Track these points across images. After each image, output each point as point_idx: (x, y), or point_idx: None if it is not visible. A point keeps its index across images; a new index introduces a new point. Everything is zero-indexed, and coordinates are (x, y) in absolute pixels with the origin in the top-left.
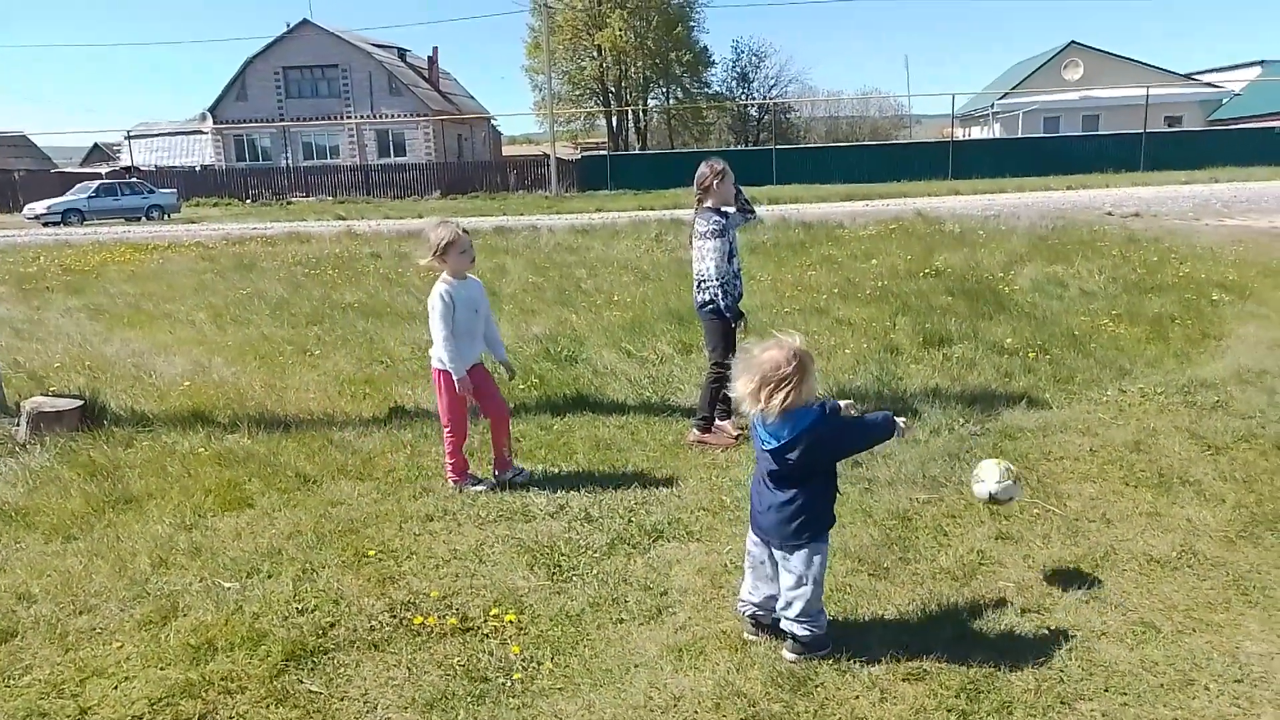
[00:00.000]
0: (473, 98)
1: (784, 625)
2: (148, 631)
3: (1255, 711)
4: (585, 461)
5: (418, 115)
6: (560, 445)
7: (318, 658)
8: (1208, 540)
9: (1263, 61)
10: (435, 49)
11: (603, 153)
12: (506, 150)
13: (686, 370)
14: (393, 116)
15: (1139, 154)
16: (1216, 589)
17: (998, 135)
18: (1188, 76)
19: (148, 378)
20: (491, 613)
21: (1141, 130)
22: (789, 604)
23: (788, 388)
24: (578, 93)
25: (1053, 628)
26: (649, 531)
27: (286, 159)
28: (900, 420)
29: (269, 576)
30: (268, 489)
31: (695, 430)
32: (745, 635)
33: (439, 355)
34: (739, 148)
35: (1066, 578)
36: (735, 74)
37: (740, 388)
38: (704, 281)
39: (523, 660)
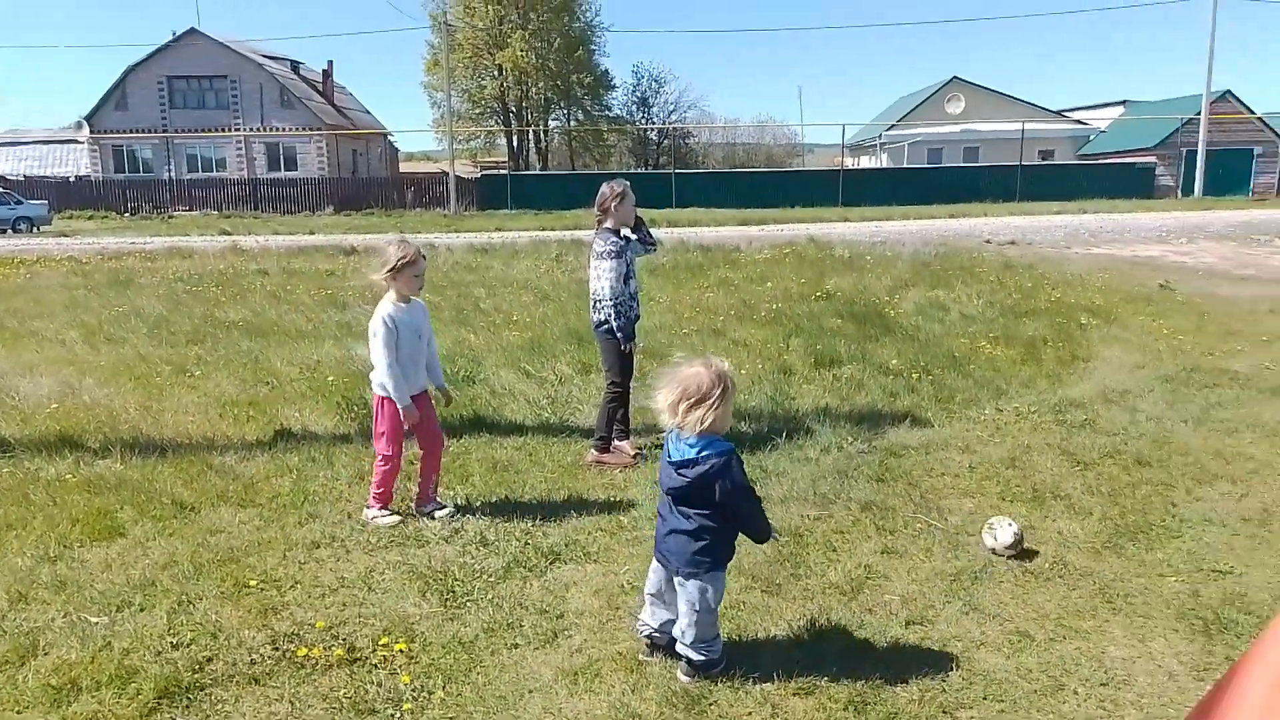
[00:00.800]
0: (369, 113)
1: (679, 649)
2: (3, 673)
3: (1120, 713)
4: (482, 484)
5: (310, 129)
6: (456, 468)
7: (193, 694)
8: (1077, 551)
9: (1125, 101)
10: (330, 63)
11: (503, 172)
12: (404, 167)
13: (586, 391)
14: (284, 130)
15: (1015, 185)
16: (1084, 598)
17: (885, 165)
18: (1059, 113)
19: (10, 400)
20: (381, 642)
21: (1017, 163)
22: (684, 631)
23: (707, 406)
24: (478, 111)
25: (935, 639)
26: (546, 554)
27: (169, 171)
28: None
29: (141, 610)
30: (141, 517)
31: (593, 451)
32: (641, 656)
33: (381, 382)
34: (640, 170)
35: (948, 590)
36: (636, 98)
37: (661, 399)
38: (599, 301)
39: (413, 690)
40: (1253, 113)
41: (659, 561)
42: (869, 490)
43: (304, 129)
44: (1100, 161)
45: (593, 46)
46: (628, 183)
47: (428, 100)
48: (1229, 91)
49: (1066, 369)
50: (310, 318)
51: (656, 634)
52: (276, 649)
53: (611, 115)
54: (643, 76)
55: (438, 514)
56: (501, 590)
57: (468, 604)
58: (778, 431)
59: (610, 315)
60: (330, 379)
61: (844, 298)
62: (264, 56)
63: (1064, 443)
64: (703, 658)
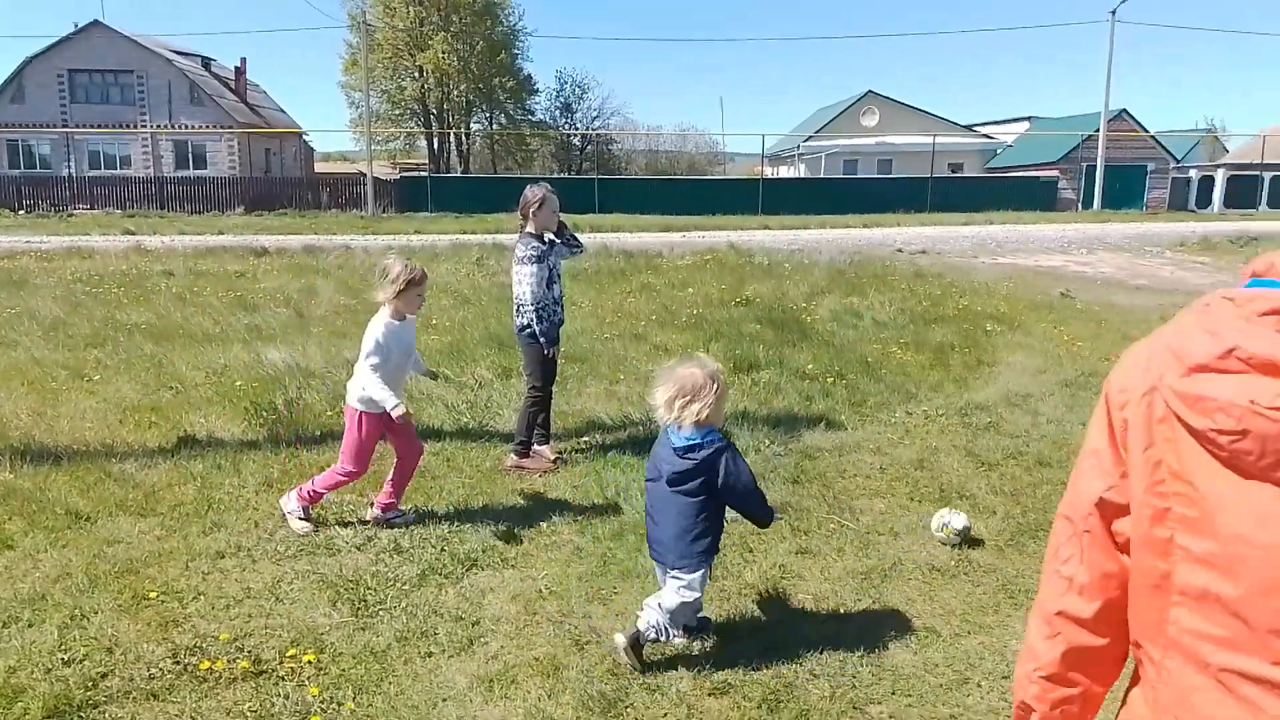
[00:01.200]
0: (284, 111)
1: (642, 616)
2: None
3: None
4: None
5: (221, 127)
6: (370, 475)
7: (85, 712)
8: (981, 549)
9: (1030, 117)
10: (243, 59)
11: (423, 174)
12: (320, 167)
13: (506, 395)
14: (193, 127)
15: (926, 196)
16: (988, 593)
17: (803, 175)
18: (968, 128)
19: None
20: (288, 653)
21: (928, 175)
22: (659, 615)
23: (702, 402)
24: (397, 112)
25: (847, 636)
26: (462, 560)
27: (69, 168)
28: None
29: (30, 625)
30: (32, 528)
31: (513, 455)
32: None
33: (371, 396)
34: (563, 176)
35: (859, 588)
36: (559, 103)
37: (658, 396)
38: (521, 306)
39: (322, 702)
40: (1146, 131)
41: (654, 556)
42: (785, 492)
43: (214, 127)
44: (1006, 175)
45: (515, 51)
46: (549, 187)
47: (345, 100)
48: (1125, 110)
49: (973, 374)
50: (218, 320)
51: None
52: (177, 663)
53: (534, 120)
54: (566, 82)
55: (397, 521)
56: (416, 598)
57: (380, 613)
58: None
59: (532, 320)
60: (238, 384)
61: (763, 304)
62: (173, 52)
63: (970, 444)
64: (653, 630)
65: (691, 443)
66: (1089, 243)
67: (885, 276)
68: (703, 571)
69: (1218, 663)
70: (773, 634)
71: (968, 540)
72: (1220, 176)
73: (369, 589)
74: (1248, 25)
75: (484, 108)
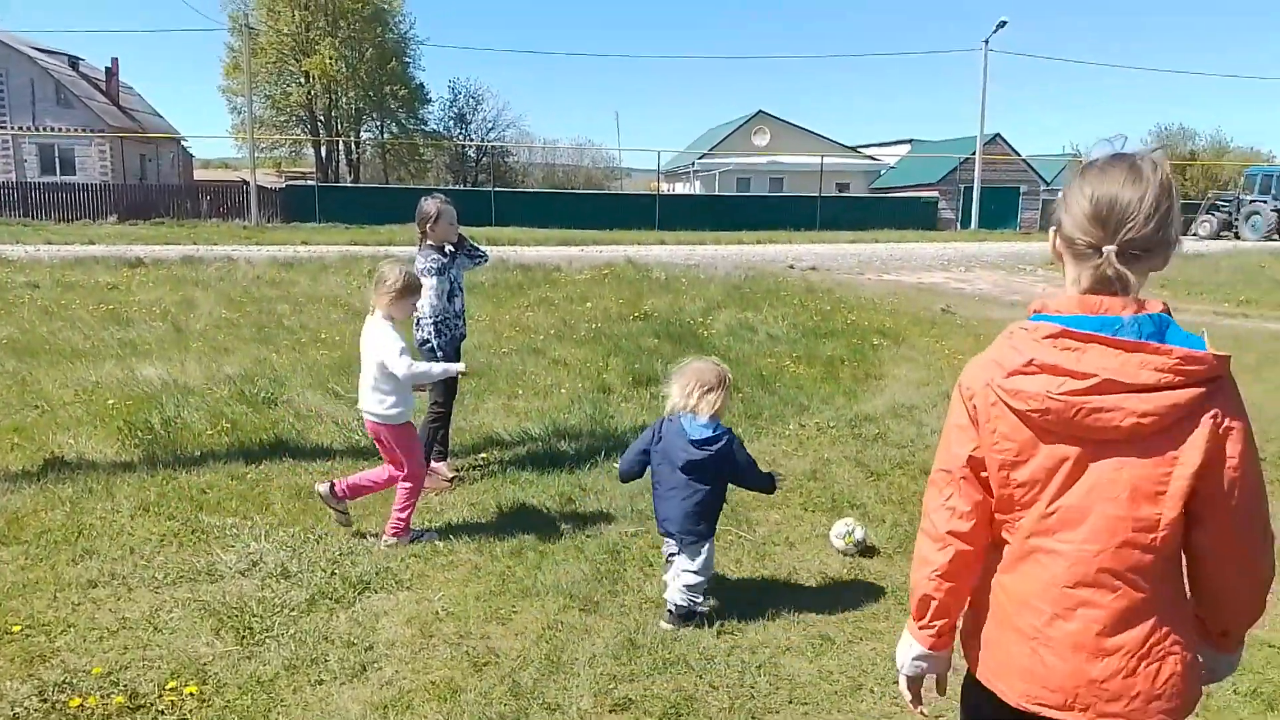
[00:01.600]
0: (160, 115)
1: (669, 596)
2: None
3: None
4: (284, 512)
5: (91, 130)
6: (255, 495)
7: None
8: (872, 557)
9: (911, 140)
10: (115, 60)
11: (310, 183)
12: (200, 174)
13: None
14: (60, 130)
15: (815, 214)
16: (879, 600)
17: (698, 191)
18: (854, 149)
19: None
20: (168, 686)
21: (818, 194)
22: (676, 585)
23: (714, 394)
24: (283, 118)
25: (745, 646)
26: (354, 584)
27: None
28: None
29: None
30: None
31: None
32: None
33: (431, 373)
34: (458, 187)
35: (757, 598)
36: (453, 114)
37: (675, 388)
38: (420, 319)
39: None
40: (1018, 154)
41: (663, 531)
42: None
43: (83, 130)
44: (890, 195)
45: (407, 59)
46: (445, 198)
47: (227, 105)
48: (999, 135)
49: (861, 386)
50: (88, 335)
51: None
52: (44, 700)
53: (428, 130)
54: (460, 92)
55: (421, 540)
56: (305, 624)
57: (267, 641)
58: (597, 449)
59: (431, 334)
60: (111, 402)
61: (661, 318)
62: (36, 50)
63: (859, 455)
64: (687, 604)
65: (707, 436)
66: (967, 261)
67: (778, 292)
68: (709, 542)
69: (1039, 556)
70: (672, 648)
71: (864, 551)
72: None
73: (255, 616)
74: (1108, 59)
75: (375, 116)
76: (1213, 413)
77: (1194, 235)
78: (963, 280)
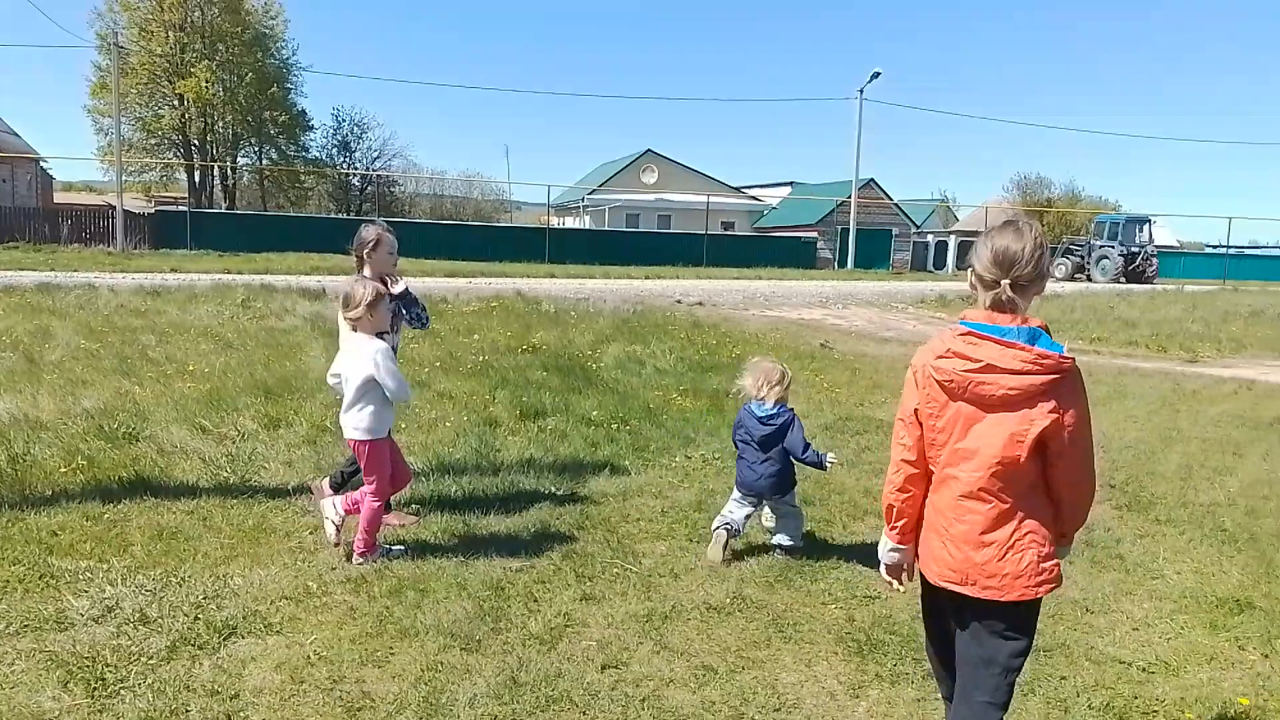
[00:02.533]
0: (17, 135)
1: (777, 541)
2: None
3: None
4: (144, 554)
5: None
6: (112, 537)
7: None
8: (754, 586)
9: (792, 182)
10: None
11: (182, 209)
12: (61, 198)
13: (273, 447)
14: None
15: (702, 251)
16: (760, 629)
17: (588, 226)
18: (738, 189)
19: None
20: None
21: (704, 232)
22: (783, 531)
23: (779, 386)
24: (153, 141)
25: (629, 680)
26: (220, 629)
27: None
28: (829, 458)
29: None
30: None
31: (328, 484)
32: (712, 550)
33: (399, 394)
34: (341, 216)
35: (641, 631)
36: (337, 142)
37: (749, 382)
38: None
39: None
40: (890, 199)
41: (748, 496)
42: (570, 538)
43: None
44: (772, 234)
45: (289, 85)
46: (385, 225)
47: (93, 126)
48: (873, 179)
49: None
50: None
51: (735, 527)
52: None
53: (309, 157)
54: (344, 120)
55: (393, 552)
56: (164, 673)
57: (121, 692)
58: (483, 484)
59: None
60: None
61: (550, 351)
62: None
63: None
64: (794, 543)
65: (771, 414)
66: (844, 298)
67: (666, 326)
68: (794, 492)
69: (947, 481)
70: (556, 684)
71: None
72: (953, 242)
73: (108, 666)
74: (972, 110)
75: (253, 142)
76: (1057, 394)
77: (1050, 277)
78: (840, 317)
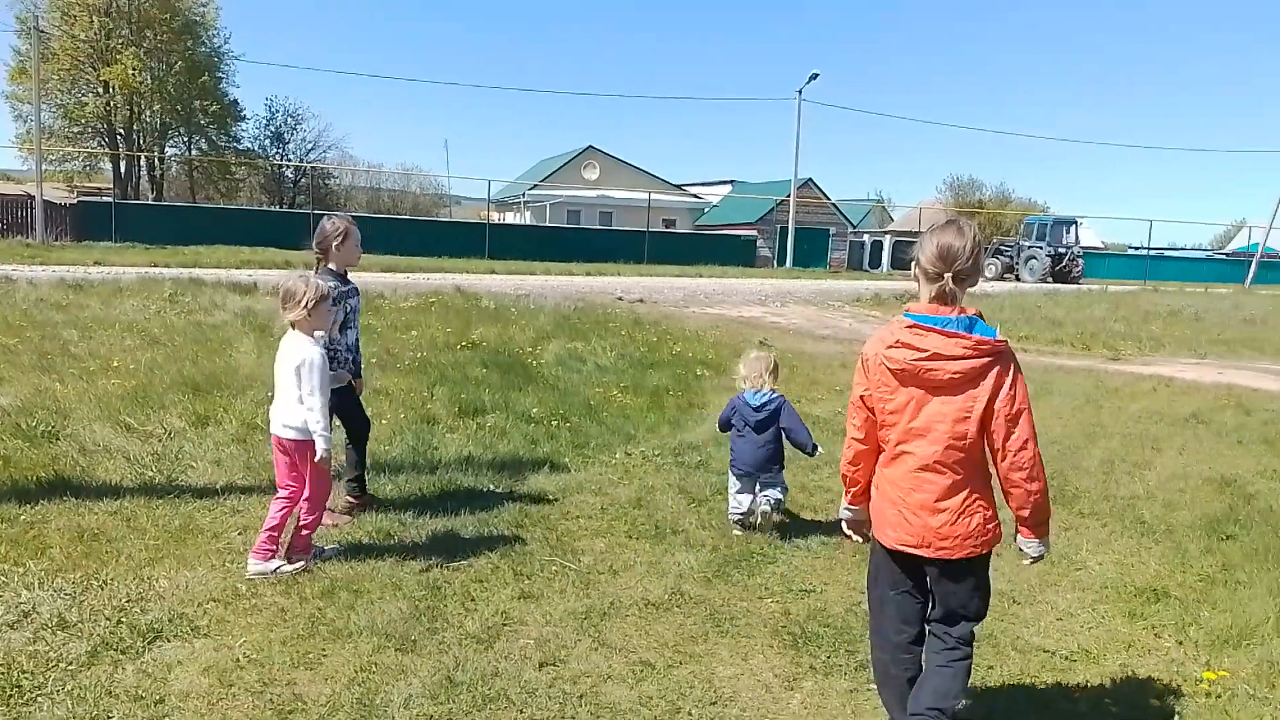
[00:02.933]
0: None
1: (764, 496)
2: None
3: None
4: (63, 557)
5: None
6: (29, 539)
7: None
8: (692, 581)
9: (733, 181)
10: None
11: (107, 199)
12: None
13: (202, 446)
14: None
15: (643, 248)
16: (697, 623)
17: (529, 222)
18: (679, 187)
19: None
20: None
21: (645, 229)
22: (774, 498)
23: (772, 376)
24: (76, 129)
25: (567, 677)
26: (144, 632)
27: None
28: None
29: None
30: None
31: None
32: (735, 533)
33: (319, 427)
34: (274, 209)
35: (579, 628)
36: (270, 133)
37: (748, 373)
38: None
39: None
40: (828, 198)
41: (745, 477)
42: (510, 536)
43: None
44: (714, 232)
45: (220, 74)
46: (350, 219)
47: (11, 112)
48: (811, 179)
49: (685, 415)
50: None
51: (748, 519)
52: None
53: (242, 148)
54: (277, 111)
55: (327, 549)
56: (85, 679)
57: (39, 699)
58: (419, 481)
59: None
60: None
61: (489, 347)
62: None
63: (682, 482)
64: (782, 495)
65: (764, 400)
66: (782, 296)
67: (607, 323)
68: (782, 473)
69: (902, 456)
70: (492, 684)
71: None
72: (888, 241)
73: (24, 673)
74: (907, 113)
75: (182, 131)
76: (995, 372)
77: (982, 276)
78: (779, 315)
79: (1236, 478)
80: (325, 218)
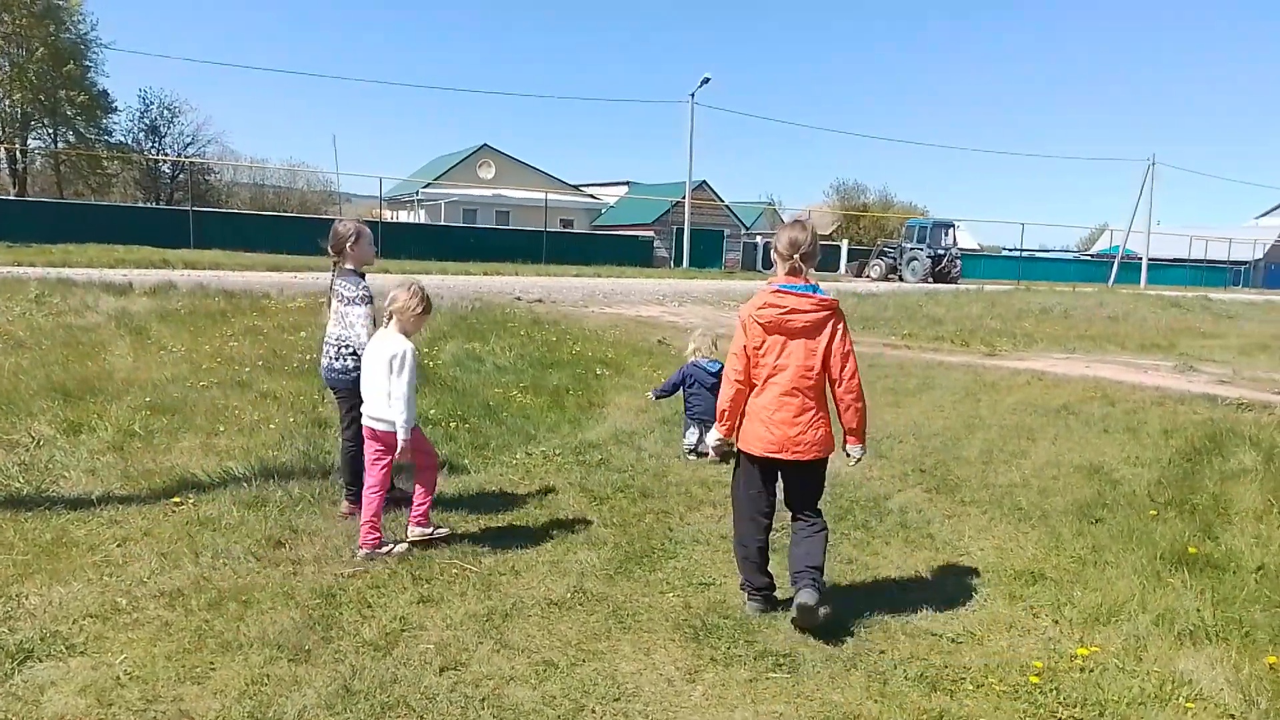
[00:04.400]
0: None
1: (696, 444)
2: None
3: None
4: None
5: None
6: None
7: None
8: (594, 579)
9: (629, 182)
10: None
11: None
12: None
13: (74, 454)
14: None
15: (541, 248)
16: (600, 621)
17: (424, 221)
18: (576, 187)
19: None
20: None
21: (543, 229)
22: (703, 438)
23: (717, 344)
24: None
25: (468, 680)
26: (13, 653)
27: None
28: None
29: None
30: None
31: (347, 503)
32: (689, 458)
33: (403, 417)
34: (150, 205)
35: (481, 630)
36: (144, 126)
37: (699, 345)
38: (344, 349)
39: None
40: (722, 200)
41: (700, 421)
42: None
43: None
44: (610, 233)
45: (88, 63)
46: (360, 221)
47: None
48: (705, 182)
49: (585, 414)
50: None
51: (700, 446)
52: None
53: (114, 141)
54: (152, 103)
55: (438, 533)
56: None
57: None
58: (311, 487)
59: (358, 364)
60: None
61: None
62: None
63: (583, 481)
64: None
65: (717, 368)
66: (680, 296)
67: (505, 323)
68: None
69: (769, 386)
70: (391, 691)
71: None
72: None
73: None
74: (796, 119)
75: (46, 123)
76: (831, 323)
77: (866, 277)
78: (676, 314)
79: (1103, 465)
80: (336, 221)
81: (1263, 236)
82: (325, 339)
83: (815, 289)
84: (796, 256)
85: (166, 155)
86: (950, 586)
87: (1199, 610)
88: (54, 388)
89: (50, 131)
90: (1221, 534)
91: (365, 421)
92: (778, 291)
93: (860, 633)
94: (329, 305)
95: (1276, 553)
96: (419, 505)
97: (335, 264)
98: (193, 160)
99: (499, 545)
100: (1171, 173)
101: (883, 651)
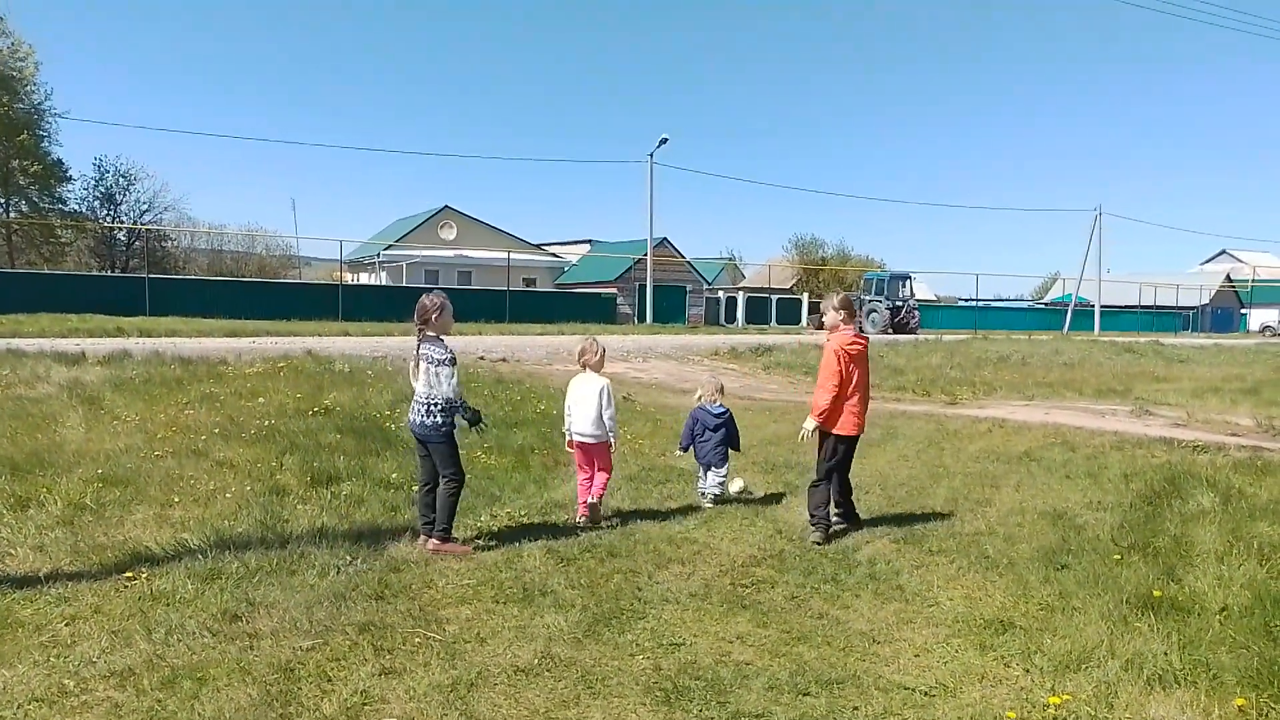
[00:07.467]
0: None
1: (715, 486)
2: None
3: None
4: None
5: None
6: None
7: None
8: (562, 643)
9: (591, 240)
10: None
11: None
12: None
13: (21, 530)
14: None
15: (505, 307)
16: (569, 687)
17: (385, 282)
18: (538, 246)
19: None
20: None
21: (506, 288)
22: (720, 482)
23: (722, 394)
24: None
25: None
26: None
27: None
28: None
29: None
30: None
31: (435, 540)
32: (706, 505)
33: (614, 432)
34: (105, 273)
35: (445, 701)
36: (99, 194)
37: (707, 391)
38: (434, 405)
39: None
40: (683, 257)
41: (703, 462)
42: (368, 610)
43: None
44: (574, 290)
45: (42, 132)
46: (444, 295)
47: None
48: (666, 239)
49: (551, 474)
50: None
51: (716, 492)
52: None
53: (68, 210)
54: (107, 171)
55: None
56: None
57: None
58: (268, 558)
59: (451, 419)
60: None
61: (344, 412)
62: None
63: (550, 542)
64: (720, 491)
65: (720, 412)
66: (644, 352)
67: (469, 383)
68: (727, 464)
69: (852, 389)
70: None
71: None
72: (741, 298)
73: None
74: (753, 176)
75: None
76: (865, 351)
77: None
78: (641, 370)
79: (1066, 510)
80: (424, 295)
81: (1207, 283)
82: (415, 398)
83: (860, 332)
84: (845, 314)
85: (122, 223)
86: (921, 638)
87: (1166, 654)
88: (2, 461)
89: (3, 201)
90: (1184, 576)
91: (575, 437)
92: (857, 335)
93: (833, 689)
94: (416, 368)
95: (1238, 593)
96: (599, 491)
97: (420, 331)
98: (148, 227)
99: (463, 611)
100: (1119, 222)
101: (856, 708)
